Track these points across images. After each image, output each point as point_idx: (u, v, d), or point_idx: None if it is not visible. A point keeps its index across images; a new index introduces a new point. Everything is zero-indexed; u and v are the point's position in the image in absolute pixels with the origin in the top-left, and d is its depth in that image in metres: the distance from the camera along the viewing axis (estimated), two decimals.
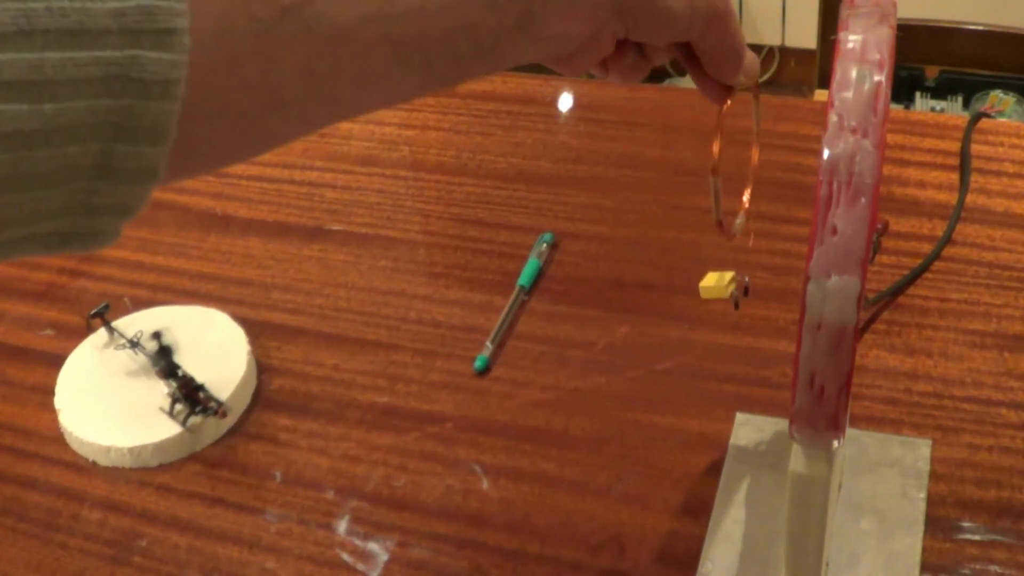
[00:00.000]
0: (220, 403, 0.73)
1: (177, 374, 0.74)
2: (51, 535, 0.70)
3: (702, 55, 0.46)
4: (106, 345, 0.79)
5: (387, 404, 0.76)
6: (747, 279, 0.67)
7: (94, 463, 0.74)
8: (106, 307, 0.74)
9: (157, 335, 0.73)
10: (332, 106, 0.36)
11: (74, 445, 0.75)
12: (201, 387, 0.74)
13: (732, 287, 0.66)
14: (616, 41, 0.44)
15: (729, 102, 0.49)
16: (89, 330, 0.80)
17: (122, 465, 0.73)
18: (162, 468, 0.73)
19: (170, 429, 0.73)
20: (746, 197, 0.58)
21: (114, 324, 0.79)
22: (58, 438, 0.76)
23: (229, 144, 0.34)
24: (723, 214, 0.50)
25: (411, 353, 0.79)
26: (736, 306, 0.66)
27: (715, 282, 0.66)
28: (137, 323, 0.80)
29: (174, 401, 0.73)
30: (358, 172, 0.96)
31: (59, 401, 0.77)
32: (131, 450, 0.73)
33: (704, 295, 0.66)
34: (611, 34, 0.43)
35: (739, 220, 0.56)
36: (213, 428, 0.74)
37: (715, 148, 0.50)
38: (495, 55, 0.38)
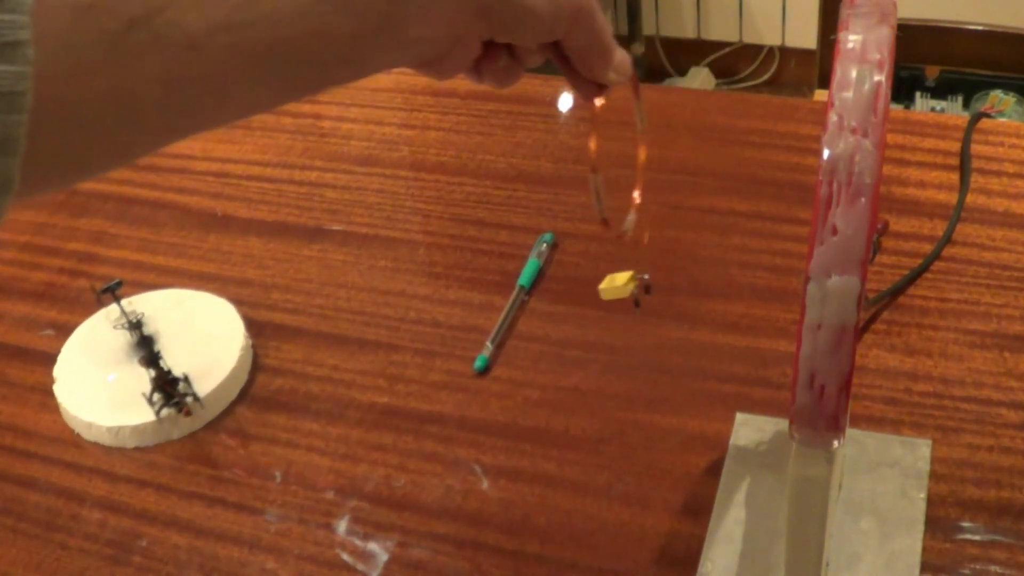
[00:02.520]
0: (196, 398, 0.74)
1: (158, 364, 0.74)
2: (51, 535, 0.70)
3: (571, 54, 0.46)
4: (113, 322, 0.79)
5: (387, 404, 0.76)
6: (647, 277, 0.67)
7: (78, 435, 0.76)
8: (118, 283, 0.74)
9: (139, 324, 0.73)
10: (190, 116, 0.36)
11: (64, 417, 0.77)
12: (178, 380, 0.74)
13: (632, 286, 0.66)
14: (483, 43, 0.44)
15: (602, 100, 0.49)
16: (99, 305, 0.80)
17: (101, 442, 0.75)
18: (161, 466, 0.73)
19: (148, 414, 0.74)
20: (636, 194, 0.58)
21: (125, 302, 0.80)
22: (58, 438, 0.76)
23: (87, 154, 0.34)
24: (607, 210, 0.50)
25: (411, 353, 0.79)
26: (637, 304, 0.67)
27: (614, 283, 0.67)
28: (145, 303, 0.80)
29: (153, 390, 0.74)
30: (358, 172, 0.96)
31: (58, 370, 0.78)
32: (110, 429, 0.74)
33: (604, 296, 0.67)
34: (475, 36, 0.43)
35: (630, 217, 0.55)
36: (191, 420, 0.74)
37: (592, 145, 0.50)
38: (356, 62, 0.38)
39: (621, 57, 0.48)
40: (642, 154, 0.61)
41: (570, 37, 0.45)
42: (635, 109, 0.57)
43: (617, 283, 0.67)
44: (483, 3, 0.41)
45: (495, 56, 0.46)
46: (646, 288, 0.67)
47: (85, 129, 0.33)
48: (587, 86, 0.49)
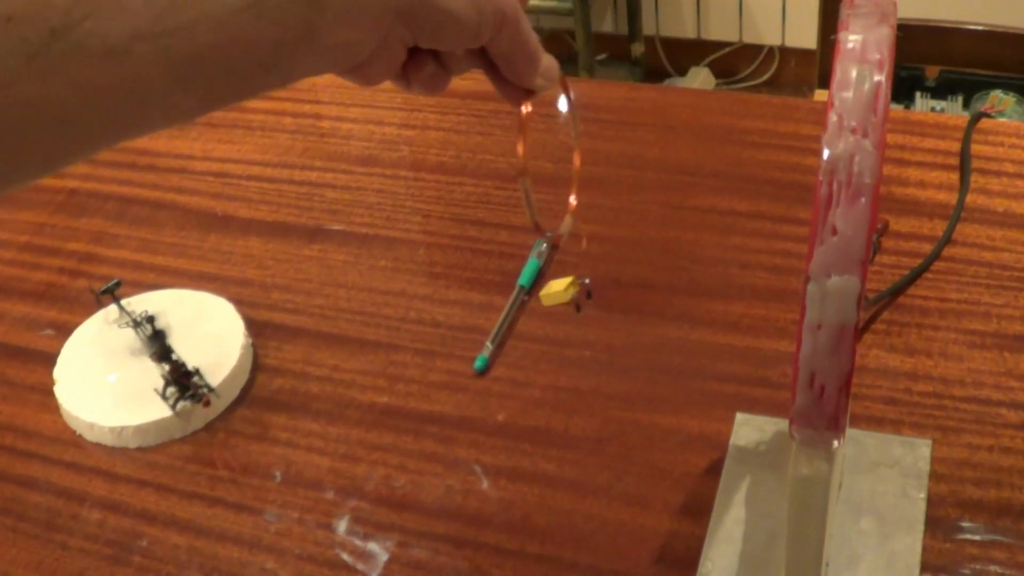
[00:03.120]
0: (210, 389, 0.74)
1: (171, 358, 0.74)
2: (51, 535, 0.70)
3: (496, 60, 0.47)
4: (114, 322, 0.80)
5: (387, 404, 0.76)
6: (587, 281, 0.68)
7: (80, 436, 0.76)
8: (117, 284, 0.75)
9: (151, 319, 0.74)
10: (112, 125, 0.36)
11: (65, 418, 0.77)
12: (192, 373, 0.74)
13: (573, 291, 0.67)
14: (409, 50, 0.44)
15: (529, 106, 0.50)
16: (98, 305, 0.80)
17: (104, 443, 0.75)
18: (161, 466, 0.73)
19: (151, 413, 0.74)
20: (572, 199, 0.59)
21: (124, 302, 0.80)
22: (58, 438, 0.76)
23: (11, 163, 0.34)
24: (538, 215, 0.50)
25: (411, 353, 0.79)
26: (578, 309, 0.68)
27: (553, 289, 0.67)
28: (145, 303, 0.80)
29: (167, 384, 0.74)
30: (358, 172, 0.96)
31: (58, 371, 0.78)
32: (112, 429, 0.74)
33: (545, 302, 0.67)
34: (399, 42, 0.43)
35: (566, 222, 0.56)
36: (200, 416, 0.74)
37: (520, 150, 0.50)
38: (280, 69, 0.38)
39: (548, 63, 0.49)
40: (577, 160, 0.61)
41: (495, 44, 0.45)
42: (570, 117, 0.57)
43: (556, 289, 0.68)
44: (405, 9, 0.41)
45: (421, 62, 0.46)
46: (587, 293, 0.68)
47: (8, 137, 0.33)
48: (514, 92, 0.49)
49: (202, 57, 0.36)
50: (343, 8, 0.39)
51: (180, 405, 0.74)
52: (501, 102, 1.09)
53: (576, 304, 0.68)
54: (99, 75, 0.34)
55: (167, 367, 0.74)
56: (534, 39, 0.47)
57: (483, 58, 0.47)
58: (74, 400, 0.76)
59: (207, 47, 0.36)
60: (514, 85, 0.49)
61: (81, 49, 0.33)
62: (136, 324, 0.77)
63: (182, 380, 0.74)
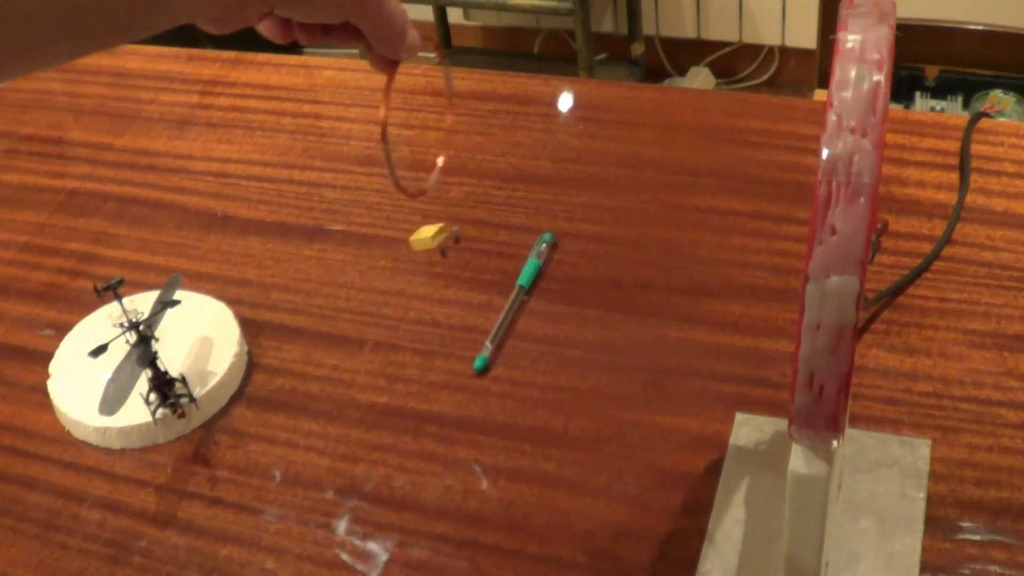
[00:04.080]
0: (191, 399, 0.74)
1: (154, 364, 0.74)
2: (51, 535, 0.70)
3: (364, 32, 0.51)
4: (115, 324, 0.79)
5: (386, 404, 0.76)
6: (456, 229, 0.72)
7: (68, 432, 0.76)
8: (120, 281, 0.75)
9: (137, 324, 0.74)
10: None
11: (55, 413, 0.77)
12: (174, 381, 0.74)
13: (441, 237, 0.70)
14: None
15: (395, 74, 0.54)
16: (100, 302, 0.80)
17: (89, 442, 0.75)
18: (161, 466, 0.73)
19: (135, 417, 0.74)
20: (440, 159, 0.63)
21: (124, 301, 0.80)
22: (58, 438, 0.76)
23: None
24: (399, 176, 0.55)
25: (410, 353, 0.79)
26: (443, 254, 0.73)
27: (423, 235, 0.71)
28: (146, 302, 0.80)
29: (150, 390, 0.74)
30: (358, 172, 0.96)
31: (54, 366, 0.78)
32: (96, 429, 0.74)
33: (415, 247, 0.71)
34: (257, 8, 0.47)
35: (432, 178, 0.60)
36: (182, 423, 0.74)
37: (382, 114, 0.55)
38: (151, 21, 0.43)
39: (413, 37, 0.53)
40: (449, 121, 0.74)
41: (359, 21, 0.50)
42: (445, 82, 0.63)
43: (425, 235, 0.70)
44: None
45: (288, 24, 0.51)
46: (455, 239, 0.73)
47: None
48: (381, 61, 0.54)
49: (80, 10, 0.40)
50: None
51: (160, 413, 0.74)
52: (501, 102, 1.09)
53: (443, 250, 0.71)
54: None
55: (151, 373, 0.74)
56: (399, 16, 0.51)
57: (354, 29, 0.51)
58: (64, 397, 0.76)
59: (81, 4, 0.40)
60: (381, 55, 0.53)
61: None
62: (131, 326, 0.77)
63: (163, 388, 0.74)
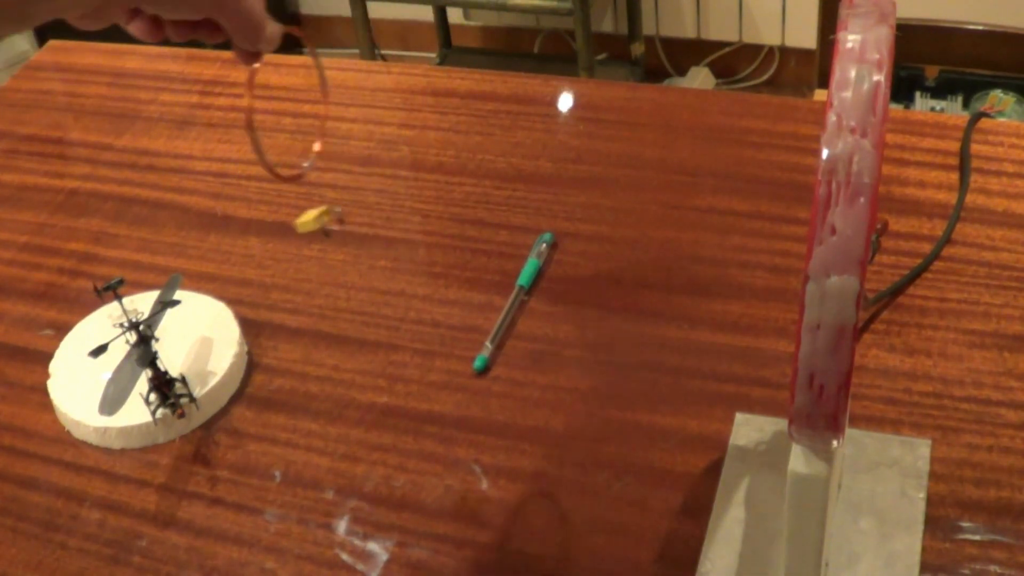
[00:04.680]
0: (191, 399, 0.74)
1: (154, 364, 0.74)
2: (51, 535, 0.70)
3: (224, 27, 0.54)
4: (113, 321, 0.79)
5: (386, 404, 0.76)
6: (339, 210, 0.76)
7: (68, 432, 0.76)
8: (120, 281, 0.75)
9: (137, 324, 0.74)
10: None
11: (55, 413, 0.77)
12: (174, 381, 0.74)
13: (325, 219, 0.73)
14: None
15: (257, 65, 0.58)
16: (101, 302, 0.80)
17: (89, 442, 0.75)
18: (161, 466, 0.73)
19: (135, 417, 0.74)
20: (317, 146, 0.74)
21: (124, 300, 0.80)
22: (57, 438, 0.76)
23: None
24: (269, 162, 0.59)
25: (410, 353, 0.79)
26: (327, 234, 0.77)
27: (308, 216, 0.73)
28: (146, 302, 0.80)
29: (150, 390, 0.74)
30: (358, 172, 0.96)
31: (54, 366, 0.78)
32: (96, 429, 0.74)
33: (300, 230, 0.72)
34: (119, 5, 0.50)
35: (307, 164, 0.65)
36: (182, 423, 0.74)
37: (247, 103, 0.61)
38: (16, 20, 0.45)
39: (272, 30, 0.56)
40: (325, 112, 0.85)
41: (219, 17, 0.53)
42: (317, 72, 0.69)
43: (309, 217, 0.73)
44: None
45: (156, 22, 0.54)
46: (339, 220, 0.77)
47: None
48: (243, 54, 0.57)
49: None
50: None
51: (160, 413, 0.74)
52: (501, 102, 1.09)
53: (326, 231, 0.72)
54: None
55: (150, 373, 0.74)
56: (257, 11, 0.54)
57: (218, 25, 0.54)
58: (64, 397, 0.76)
59: None
60: (243, 48, 0.56)
61: None
62: (131, 326, 0.77)
63: (163, 388, 0.74)
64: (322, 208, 0.72)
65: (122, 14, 0.52)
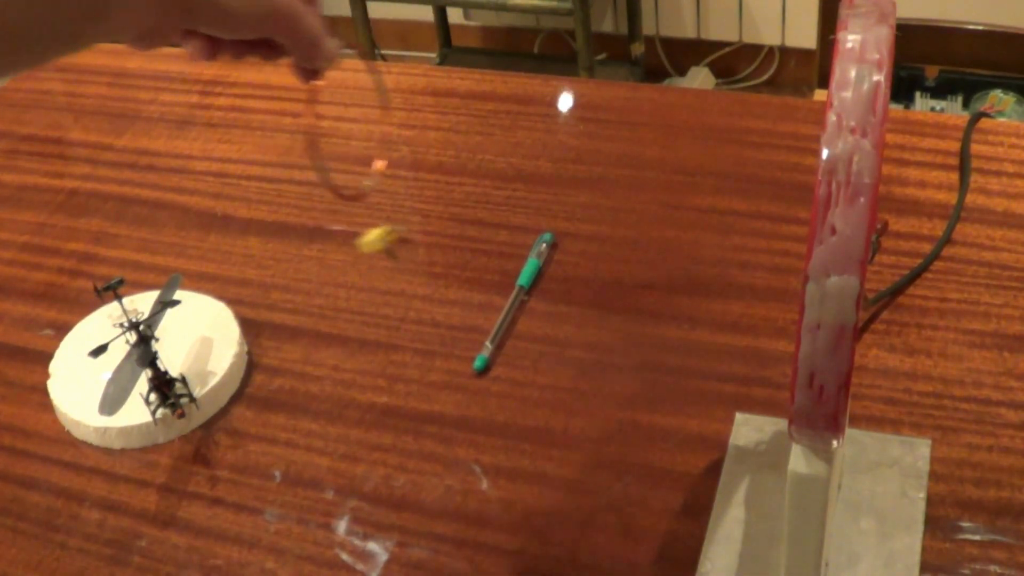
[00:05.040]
0: (191, 399, 0.74)
1: (154, 364, 0.74)
2: (51, 535, 0.70)
3: (284, 47, 0.54)
4: (113, 321, 0.79)
5: (387, 404, 0.76)
6: (404, 229, 0.77)
7: (68, 432, 0.76)
8: (120, 281, 0.75)
9: (137, 324, 0.74)
10: None
11: (56, 413, 0.77)
12: (174, 381, 0.74)
13: (391, 240, 0.76)
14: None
15: (316, 81, 0.58)
16: (101, 302, 0.80)
17: (89, 442, 0.75)
18: (161, 466, 0.73)
19: (136, 417, 0.74)
20: (379, 164, 0.70)
21: (124, 301, 0.80)
22: (57, 438, 0.76)
23: None
24: (335, 180, 0.57)
25: (411, 353, 0.79)
26: (392, 256, 0.77)
27: (372, 237, 0.75)
28: (146, 302, 0.80)
29: (150, 390, 0.74)
30: (358, 172, 0.96)
31: (54, 366, 0.78)
32: (96, 429, 0.74)
33: (364, 250, 0.75)
34: (177, 26, 0.49)
35: (369, 183, 0.63)
36: (182, 423, 0.74)
37: (311, 121, 0.59)
38: (77, 40, 0.45)
39: (330, 47, 0.55)
40: (387, 128, 0.74)
41: (277, 36, 0.53)
42: (377, 88, 0.66)
43: (373, 237, 0.75)
44: (186, 3, 0.48)
45: (214, 42, 0.53)
46: (403, 239, 0.77)
47: None
48: (302, 71, 0.57)
49: (8, 32, 0.42)
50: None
51: (160, 413, 0.74)
52: (501, 102, 1.09)
53: (391, 252, 0.74)
54: None
55: (151, 373, 0.74)
56: (315, 29, 0.54)
57: (276, 44, 0.54)
58: (64, 397, 0.76)
59: (13, 24, 0.42)
60: (302, 66, 0.56)
61: None
62: (131, 326, 0.77)
63: (163, 388, 0.74)
64: (386, 228, 0.74)
65: (177, 35, 0.52)
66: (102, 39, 0.47)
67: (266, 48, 0.54)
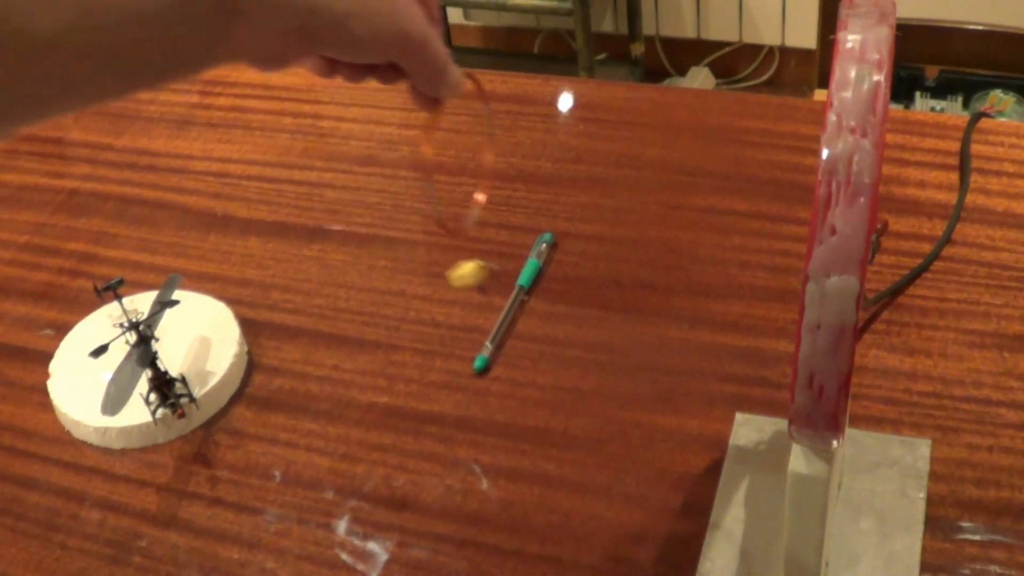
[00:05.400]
0: (191, 399, 0.74)
1: (155, 364, 0.74)
2: (51, 535, 0.70)
3: (407, 72, 0.52)
4: (113, 321, 0.79)
5: (387, 404, 0.76)
6: (494, 267, 0.76)
7: (68, 432, 0.76)
8: (120, 281, 0.75)
9: (137, 324, 0.74)
10: (39, 104, 0.40)
11: (56, 413, 0.77)
12: (174, 381, 0.74)
13: (482, 276, 0.76)
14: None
15: (438, 111, 0.55)
16: (101, 301, 0.80)
17: (89, 442, 0.75)
18: (161, 466, 0.73)
19: (136, 417, 0.74)
20: (481, 196, 0.64)
21: (124, 301, 0.80)
22: (57, 438, 0.76)
23: None
24: (443, 213, 0.54)
25: (411, 353, 0.79)
26: (482, 290, 0.77)
27: (463, 271, 0.76)
28: (146, 302, 0.80)
29: (150, 390, 0.74)
30: (358, 172, 0.96)
31: (54, 366, 0.78)
32: (96, 429, 0.74)
33: (454, 284, 0.75)
34: (301, 50, 0.47)
35: (472, 215, 0.60)
36: (182, 423, 0.74)
37: (427, 152, 0.57)
38: (195, 63, 0.43)
39: (455, 75, 0.54)
40: (489, 159, 0.69)
41: (402, 61, 0.50)
42: (484, 118, 0.65)
43: (464, 272, 0.76)
44: (310, 27, 0.45)
45: (332, 62, 0.51)
46: (493, 275, 0.77)
47: None
48: (423, 99, 0.55)
49: (125, 52, 0.40)
50: (256, 20, 0.43)
51: (160, 413, 0.74)
52: (501, 102, 1.09)
53: (481, 287, 0.74)
54: (27, 64, 0.37)
55: (150, 373, 0.74)
56: (442, 56, 0.52)
57: (398, 67, 0.52)
58: (64, 396, 0.76)
59: (131, 43, 0.40)
60: (423, 94, 0.54)
61: (11, 41, 0.37)
62: (131, 326, 0.77)
63: (163, 388, 0.74)
64: (478, 263, 0.75)
65: (300, 57, 0.50)
66: (222, 63, 0.45)
67: (388, 71, 0.52)
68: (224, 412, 0.77)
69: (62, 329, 0.83)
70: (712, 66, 2.67)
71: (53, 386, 0.78)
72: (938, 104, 1.65)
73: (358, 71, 0.52)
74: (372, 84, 0.53)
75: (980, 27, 1.46)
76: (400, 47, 0.49)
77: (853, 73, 0.45)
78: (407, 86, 0.54)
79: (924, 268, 0.80)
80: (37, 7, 0.37)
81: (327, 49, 0.48)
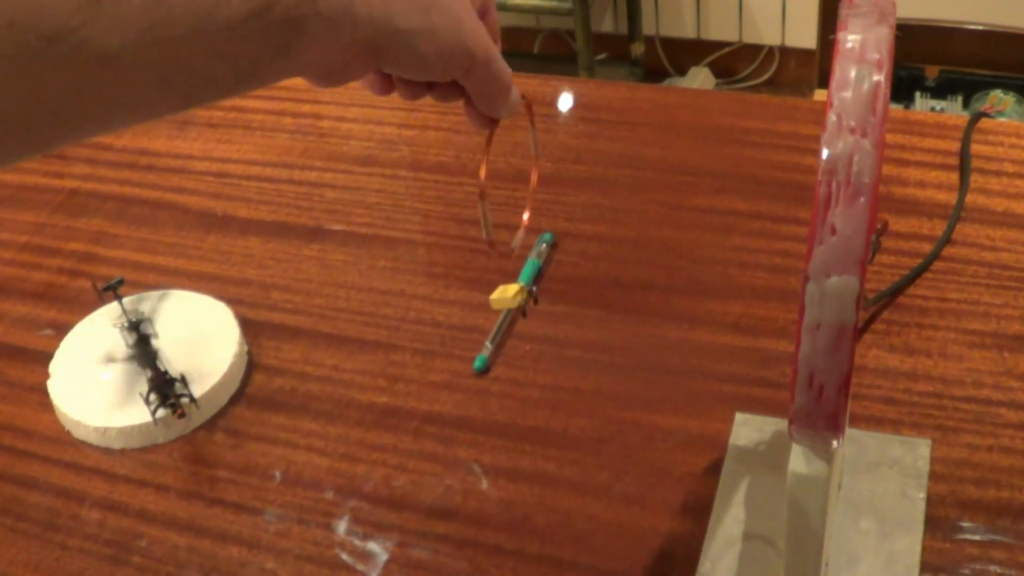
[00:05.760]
0: (192, 399, 0.74)
1: (155, 364, 0.74)
2: (51, 535, 0.70)
3: (468, 90, 0.51)
4: (115, 323, 0.80)
5: (386, 404, 0.76)
6: (535, 289, 0.77)
7: (68, 432, 0.76)
8: (120, 281, 0.75)
9: (136, 325, 0.74)
10: (98, 119, 0.39)
11: (56, 413, 0.77)
12: (175, 381, 0.74)
13: (522, 298, 0.77)
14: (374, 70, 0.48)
15: (494, 132, 0.55)
16: (101, 302, 0.80)
17: (89, 442, 0.75)
18: (160, 466, 0.73)
19: (136, 417, 0.74)
20: (526, 215, 0.63)
21: (124, 301, 0.80)
22: (57, 438, 0.76)
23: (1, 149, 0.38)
24: (494, 234, 0.55)
25: (410, 353, 0.79)
26: (524, 314, 0.78)
27: (505, 294, 0.77)
28: (146, 302, 0.81)
29: (150, 390, 0.74)
30: (358, 172, 0.96)
31: (54, 366, 0.78)
32: (96, 429, 0.74)
33: (495, 306, 0.76)
34: (365, 65, 0.46)
35: (518, 236, 0.59)
36: (182, 423, 0.74)
37: (482, 173, 0.55)
38: (254, 79, 0.42)
39: (515, 95, 0.53)
40: (534, 179, 0.67)
41: (465, 80, 0.50)
42: (531, 139, 0.65)
43: (508, 294, 0.76)
44: (373, 42, 0.44)
45: (390, 78, 0.51)
46: (534, 300, 0.78)
47: (2, 126, 0.37)
48: (479, 118, 0.54)
49: (187, 66, 0.39)
50: (319, 34, 0.42)
51: (160, 413, 0.74)
52: None
53: (523, 310, 0.74)
54: (91, 78, 0.37)
55: (151, 373, 0.74)
56: (505, 76, 0.51)
57: (457, 85, 0.51)
58: (64, 396, 0.76)
59: (193, 58, 0.39)
60: (481, 113, 0.54)
61: (76, 54, 0.36)
62: (132, 326, 0.77)
63: (163, 388, 0.74)
64: (519, 286, 0.76)
65: (360, 73, 0.48)
66: (283, 78, 0.44)
67: (446, 89, 0.51)
68: (224, 412, 0.77)
69: (62, 329, 0.83)
70: (712, 66, 2.67)
71: (53, 386, 0.78)
72: (938, 104, 1.65)
73: (416, 88, 0.51)
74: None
75: (980, 27, 1.46)
76: (465, 65, 0.48)
77: (853, 73, 0.45)
78: (463, 104, 0.53)
79: (924, 268, 0.80)
80: (101, 21, 0.36)
81: (390, 66, 0.47)
